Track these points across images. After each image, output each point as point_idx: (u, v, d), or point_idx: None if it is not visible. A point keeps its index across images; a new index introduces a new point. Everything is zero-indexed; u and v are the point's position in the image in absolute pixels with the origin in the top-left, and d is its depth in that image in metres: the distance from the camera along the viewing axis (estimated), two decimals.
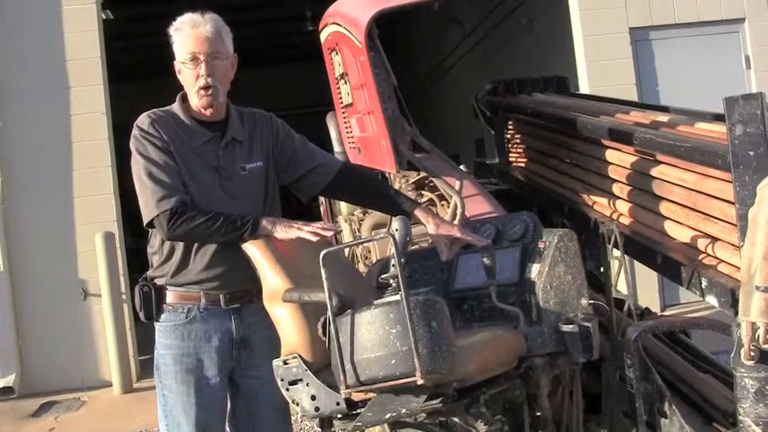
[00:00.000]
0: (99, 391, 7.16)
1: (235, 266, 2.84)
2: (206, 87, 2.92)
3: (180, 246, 2.93)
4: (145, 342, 6.86)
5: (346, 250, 4.23)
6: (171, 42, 3.00)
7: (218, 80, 2.94)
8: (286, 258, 2.68)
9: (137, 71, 13.95)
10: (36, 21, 7.28)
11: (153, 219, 2.83)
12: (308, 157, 3.11)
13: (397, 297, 2.25)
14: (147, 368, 7.10)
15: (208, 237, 2.84)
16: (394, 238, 2.34)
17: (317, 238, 2.74)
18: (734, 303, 2.60)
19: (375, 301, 2.33)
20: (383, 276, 2.37)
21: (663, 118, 3.61)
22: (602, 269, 3.40)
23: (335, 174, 3.11)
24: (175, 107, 3.01)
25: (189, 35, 2.92)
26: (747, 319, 2.21)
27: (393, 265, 2.32)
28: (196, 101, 2.96)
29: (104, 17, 8.18)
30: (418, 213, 2.99)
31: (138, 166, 2.89)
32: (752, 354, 2.23)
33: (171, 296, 2.96)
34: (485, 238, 2.89)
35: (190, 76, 2.94)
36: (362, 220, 4.59)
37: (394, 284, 2.32)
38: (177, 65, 2.98)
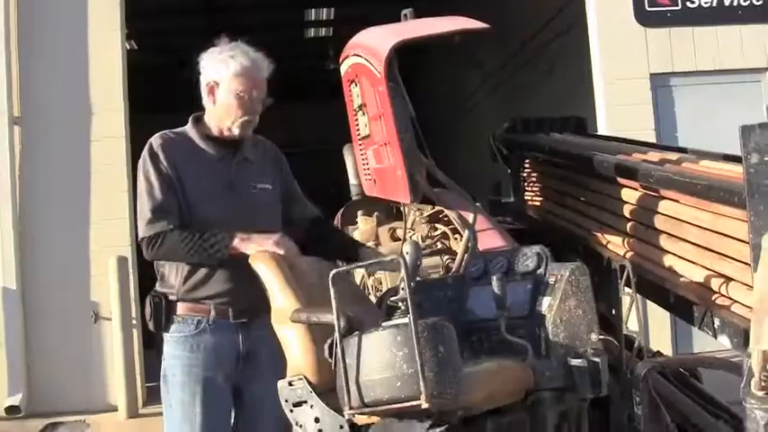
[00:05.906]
0: (105, 414, 7.09)
1: (245, 284, 2.88)
2: (250, 122, 3.11)
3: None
4: (153, 369, 6.84)
5: (357, 280, 4.23)
6: (202, 61, 3.14)
7: (257, 117, 3.15)
8: (295, 279, 2.67)
9: (155, 103, 14.09)
10: (63, 45, 7.38)
11: (140, 243, 3.03)
12: (295, 196, 3.31)
13: (406, 320, 2.24)
14: (153, 394, 7.06)
15: (185, 259, 2.97)
16: (404, 260, 2.33)
17: (282, 249, 2.83)
18: (746, 343, 2.55)
19: (383, 323, 2.32)
20: (392, 299, 2.36)
21: (679, 158, 3.60)
22: (613, 311, 3.36)
23: (310, 221, 3.31)
24: (189, 128, 3.15)
25: (250, 70, 3.09)
26: (759, 348, 2.14)
27: (402, 288, 2.31)
28: (235, 130, 3.09)
29: (128, 47, 8.27)
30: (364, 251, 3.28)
31: (139, 187, 3.05)
32: (763, 383, 2.14)
33: (181, 307, 3.04)
34: (497, 271, 2.89)
35: (236, 106, 3.07)
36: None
37: (403, 307, 2.30)
38: (220, 89, 3.10)
